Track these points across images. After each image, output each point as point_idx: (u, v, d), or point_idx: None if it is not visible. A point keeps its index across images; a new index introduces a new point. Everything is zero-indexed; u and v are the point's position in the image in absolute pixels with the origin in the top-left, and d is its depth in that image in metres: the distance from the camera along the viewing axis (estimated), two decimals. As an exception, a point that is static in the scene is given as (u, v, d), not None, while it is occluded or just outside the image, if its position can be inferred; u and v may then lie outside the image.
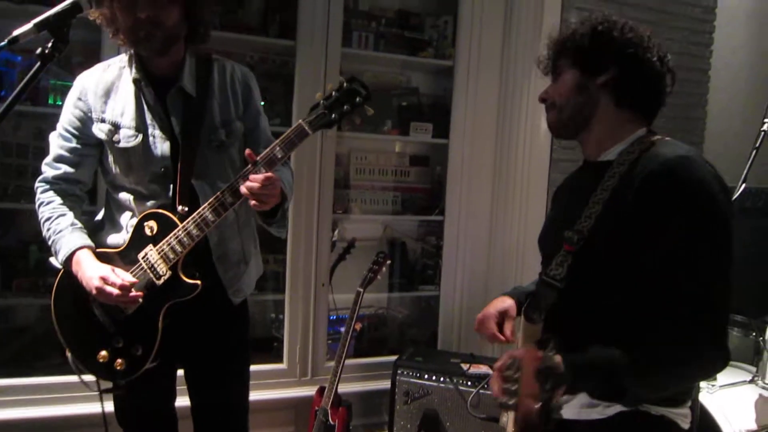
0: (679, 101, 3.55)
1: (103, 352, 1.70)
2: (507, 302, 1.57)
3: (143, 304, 1.67)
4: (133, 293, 1.63)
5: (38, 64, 1.25)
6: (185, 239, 1.65)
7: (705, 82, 3.78)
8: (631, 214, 1.25)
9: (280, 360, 2.95)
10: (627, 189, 1.27)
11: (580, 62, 1.40)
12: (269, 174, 1.59)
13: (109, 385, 1.73)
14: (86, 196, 1.85)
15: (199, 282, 1.67)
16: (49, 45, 1.25)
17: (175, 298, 1.68)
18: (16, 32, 1.22)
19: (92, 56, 2.39)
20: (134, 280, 1.65)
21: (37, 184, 1.79)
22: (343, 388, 2.78)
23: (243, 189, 1.59)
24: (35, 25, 1.24)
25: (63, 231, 1.71)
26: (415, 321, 3.55)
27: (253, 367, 2.82)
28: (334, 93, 1.62)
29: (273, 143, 1.63)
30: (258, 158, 1.61)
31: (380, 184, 3.37)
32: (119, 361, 1.69)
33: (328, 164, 2.93)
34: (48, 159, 1.79)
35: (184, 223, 1.66)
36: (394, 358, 2.83)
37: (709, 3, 3.75)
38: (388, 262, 2.73)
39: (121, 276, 1.64)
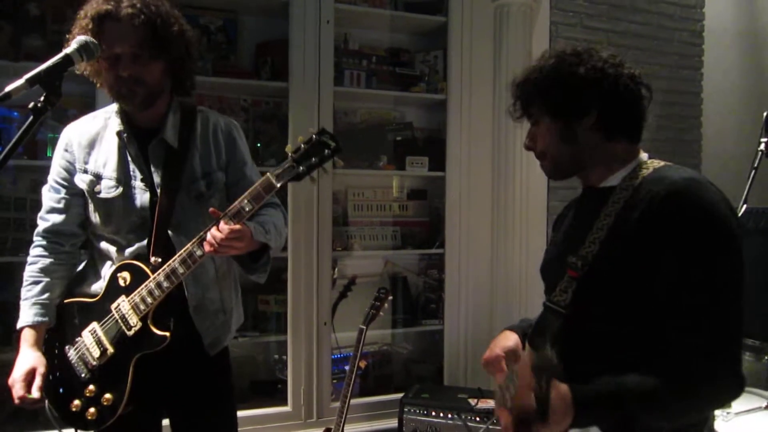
0: (674, 124, 3.56)
1: (76, 401, 1.70)
2: (512, 339, 1.50)
3: (115, 353, 1.68)
4: (29, 398, 1.64)
5: (31, 117, 1.26)
6: (155, 290, 1.65)
7: (698, 104, 3.80)
8: (636, 238, 1.22)
9: (284, 402, 2.91)
10: (631, 213, 1.25)
11: (560, 113, 1.36)
12: (235, 227, 1.58)
13: None
14: (77, 251, 1.85)
15: (167, 334, 1.66)
16: (41, 99, 1.25)
17: (144, 350, 1.67)
18: (8, 88, 1.22)
19: (88, 108, 2.37)
20: (36, 396, 1.65)
21: (33, 236, 1.83)
22: (350, 428, 2.73)
23: (207, 239, 1.59)
24: (27, 80, 1.25)
25: (26, 300, 1.77)
26: (420, 356, 3.51)
27: (257, 411, 2.82)
28: (303, 146, 1.59)
29: (240, 197, 1.62)
30: (225, 211, 1.60)
31: (379, 220, 3.36)
32: (91, 410, 1.69)
33: (326, 202, 2.93)
34: (41, 212, 1.83)
35: (155, 274, 1.66)
36: (400, 395, 2.79)
37: (696, 27, 3.80)
38: (390, 297, 2.70)
39: (35, 385, 1.65)
